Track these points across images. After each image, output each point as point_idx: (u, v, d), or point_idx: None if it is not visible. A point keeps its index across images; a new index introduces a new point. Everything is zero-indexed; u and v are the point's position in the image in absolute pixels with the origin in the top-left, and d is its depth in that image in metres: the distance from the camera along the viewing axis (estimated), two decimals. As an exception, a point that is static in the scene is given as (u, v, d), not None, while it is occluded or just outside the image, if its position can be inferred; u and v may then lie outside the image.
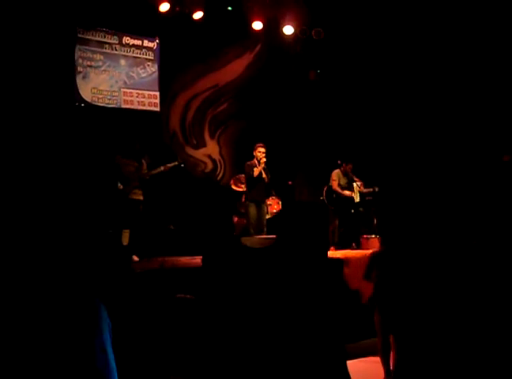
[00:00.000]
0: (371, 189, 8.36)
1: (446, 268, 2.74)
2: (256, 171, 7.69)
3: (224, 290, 2.41)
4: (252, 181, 7.80)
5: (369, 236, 7.82)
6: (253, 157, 7.83)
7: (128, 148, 7.28)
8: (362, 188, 8.29)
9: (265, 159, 7.72)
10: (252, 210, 7.78)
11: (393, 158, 9.06)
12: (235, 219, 8.73)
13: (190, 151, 9.48)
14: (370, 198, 8.39)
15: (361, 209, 8.30)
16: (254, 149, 7.84)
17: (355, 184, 8.28)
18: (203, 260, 2.57)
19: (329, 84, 9.72)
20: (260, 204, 7.88)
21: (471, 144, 8.27)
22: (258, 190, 7.84)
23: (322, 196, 8.52)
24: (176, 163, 7.51)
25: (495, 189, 7.35)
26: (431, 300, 2.61)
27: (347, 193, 8.32)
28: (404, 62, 8.92)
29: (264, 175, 7.76)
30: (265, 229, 7.83)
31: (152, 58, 9.08)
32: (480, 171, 7.89)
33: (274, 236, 6.60)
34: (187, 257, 7.03)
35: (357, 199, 8.27)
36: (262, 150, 7.77)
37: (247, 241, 6.37)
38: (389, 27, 8.84)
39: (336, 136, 9.45)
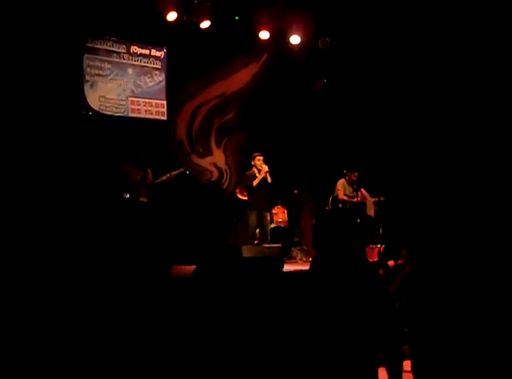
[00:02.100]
0: (377, 199, 8.35)
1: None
2: (255, 182, 7.73)
3: (215, 300, 2.42)
4: (252, 191, 7.83)
5: (374, 246, 7.80)
6: (252, 167, 7.89)
7: (134, 156, 7.31)
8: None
9: (266, 168, 7.73)
10: (252, 219, 7.81)
11: (400, 167, 9.05)
12: (238, 227, 8.72)
13: (196, 159, 9.51)
14: (376, 208, 8.38)
15: (366, 219, 8.29)
16: (252, 159, 7.90)
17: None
18: (196, 269, 2.58)
19: (335, 94, 9.73)
20: (262, 212, 7.87)
21: (479, 151, 8.23)
22: (260, 199, 7.84)
23: (328, 205, 8.52)
24: (182, 169, 7.53)
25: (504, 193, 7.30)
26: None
27: (354, 200, 8.34)
28: (411, 72, 8.92)
29: (269, 180, 7.77)
30: (269, 238, 7.83)
31: (160, 67, 9.14)
32: (489, 176, 7.85)
33: (277, 245, 6.62)
34: (192, 266, 7.03)
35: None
36: (261, 158, 7.83)
37: (247, 250, 6.38)
38: (396, 36, 8.85)
39: (342, 146, 9.45)
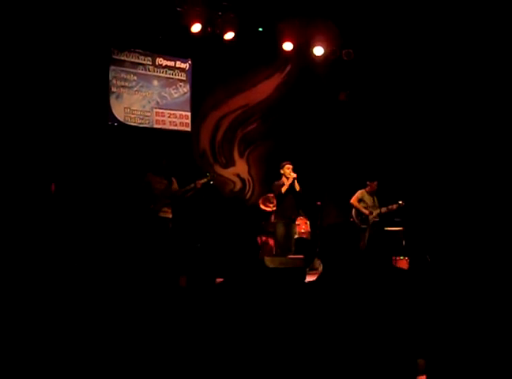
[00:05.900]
0: (396, 205, 8.33)
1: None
2: (284, 188, 7.67)
3: (244, 310, 2.43)
4: (281, 199, 7.78)
5: (397, 257, 7.72)
6: (281, 176, 7.84)
7: (157, 165, 7.37)
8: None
9: (295, 174, 7.70)
10: (280, 229, 7.74)
11: (423, 178, 8.97)
12: (263, 238, 8.71)
13: (219, 170, 9.55)
14: (399, 219, 8.32)
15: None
16: (281, 167, 7.85)
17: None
18: (224, 280, 2.60)
19: (358, 105, 9.72)
20: (289, 222, 7.83)
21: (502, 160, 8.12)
22: (288, 208, 7.75)
23: (351, 216, 8.48)
24: (205, 179, 7.54)
25: None
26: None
27: (365, 211, 8.32)
28: (434, 83, 8.87)
29: (297, 188, 7.72)
30: (293, 248, 7.80)
31: (185, 78, 9.24)
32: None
33: (300, 256, 6.61)
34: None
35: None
36: (290, 167, 7.78)
37: (270, 261, 6.37)
38: (419, 48, 8.82)
39: (365, 157, 9.42)
